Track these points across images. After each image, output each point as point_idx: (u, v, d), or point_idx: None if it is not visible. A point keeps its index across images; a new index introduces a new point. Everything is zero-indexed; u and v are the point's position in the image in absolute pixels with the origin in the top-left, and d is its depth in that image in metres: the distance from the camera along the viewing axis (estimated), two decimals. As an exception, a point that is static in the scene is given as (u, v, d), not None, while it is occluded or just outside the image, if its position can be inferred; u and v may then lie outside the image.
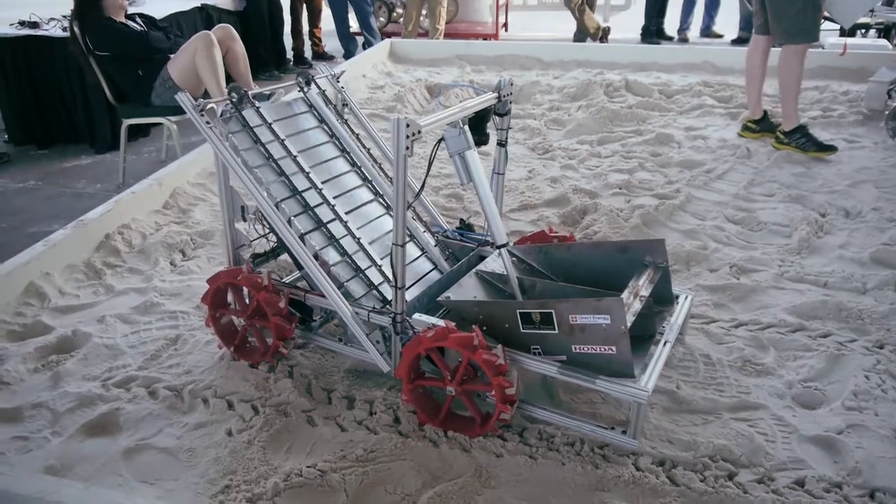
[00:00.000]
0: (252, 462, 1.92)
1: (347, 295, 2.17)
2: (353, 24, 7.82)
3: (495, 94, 2.23)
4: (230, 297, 2.38)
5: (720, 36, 8.45)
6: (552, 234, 2.44)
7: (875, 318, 2.50)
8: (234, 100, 2.29)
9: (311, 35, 7.81)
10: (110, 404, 2.17)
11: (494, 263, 2.30)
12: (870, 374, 2.22)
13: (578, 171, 3.95)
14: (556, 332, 1.87)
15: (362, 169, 2.54)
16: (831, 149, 4.06)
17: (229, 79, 4.33)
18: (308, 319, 2.38)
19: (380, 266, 2.31)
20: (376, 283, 2.25)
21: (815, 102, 5.10)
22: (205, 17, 6.18)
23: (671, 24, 8.42)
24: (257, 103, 2.37)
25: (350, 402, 2.16)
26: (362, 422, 2.06)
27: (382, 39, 7.33)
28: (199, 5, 6.11)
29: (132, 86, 4.20)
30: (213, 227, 3.31)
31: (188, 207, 3.57)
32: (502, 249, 2.15)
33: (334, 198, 2.37)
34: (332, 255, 2.24)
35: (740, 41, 7.65)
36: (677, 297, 2.26)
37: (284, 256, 2.54)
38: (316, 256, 2.20)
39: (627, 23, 8.64)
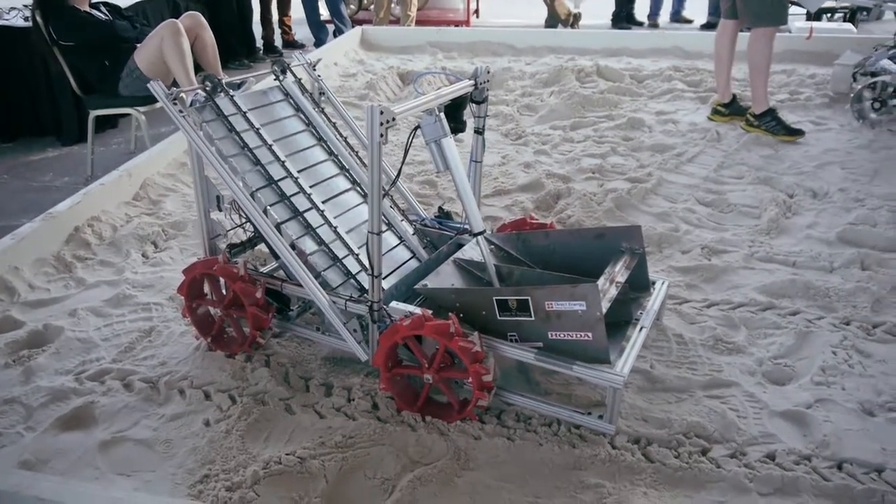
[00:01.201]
0: (230, 451, 1.91)
1: (325, 284, 2.17)
2: (324, 12, 7.75)
3: (472, 82, 2.22)
4: (206, 288, 2.36)
5: (690, 21, 8.52)
6: (531, 222, 2.45)
7: (842, 295, 2.56)
8: (207, 88, 2.25)
9: (281, 23, 7.72)
10: (84, 398, 2.14)
11: (472, 251, 2.30)
12: (837, 350, 2.28)
13: (551, 156, 3.97)
14: (533, 318, 1.88)
15: (339, 157, 2.53)
16: (799, 132, 4.13)
17: (198, 68, 4.27)
18: (285, 309, 2.37)
19: (357, 255, 2.31)
20: (354, 272, 2.25)
21: (782, 86, 5.18)
22: (171, 6, 6.07)
23: (641, 9, 8.47)
24: (232, 92, 2.34)
25: (328, 390, 2.17)
26: (340, 409, 2.07)
27: (353, 27, 7.27)
28: (165, -7, 6.00)
29: (98, 76, 4.12)
30: (186, 217, 3.27)
31: (159, 198, 3.52)
32: (479, 237, 2.15)
33: (311, 187, 2.36)
34: (308, 245, 2.23)
35: (709, 26, 7.72)
36: (654, 283, 2.29)
37: (261, 246, 2.52)
38: (293, 246, 2.19)
39: (598, 8, 8.67)
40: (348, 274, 2.24)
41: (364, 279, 2.24)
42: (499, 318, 1.93)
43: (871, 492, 1.73)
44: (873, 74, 4.46)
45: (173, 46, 3.98)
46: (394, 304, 2.04)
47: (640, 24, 8.44)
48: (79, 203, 3.19)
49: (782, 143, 4.07)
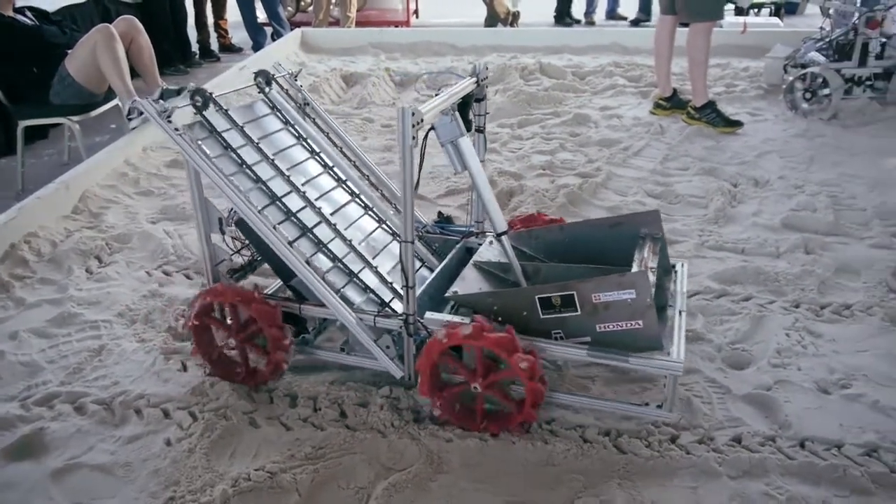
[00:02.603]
0: (195, 470, 1.84)
1: (345, 301, 2.05)
2: (261, 15, 7.60)
3: (474, 80, 2.14)
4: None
5: (624, 18, 8.70)
6: (542, 218, 2.40)
7: (790, 279, 2.64)
8: (198, 104, 2.08)
9: (217, 27, 7.54)
10: (32, 425, 2.03)
11: (489, 253, 2.24)
12: (790, 332, 2.35)
13: (501, 153, 3.99)
14: (579, 313, 1.81)
15: (335, 169, 2.43)
16: (738, 124, 4.26)
17: (134, 73, 4.13)
18: (303, 333, 2.20)
19: (375, 267, 2.20)
20: (371, 286, 2.14)
21: (718, 79, 5.33)
22: (101, 10, 5.86)
23: (578, 7, 8.59)
24: (225, 106, 2.19)
25: (293, 400, 2.11)
26: (307, 419, 2.02)
27: (292, 29, 7.16)
28: (93, -3, 5.79)
29: (27, 84, 3.93)
30: (130, 229, 3.15)
31: (100, 211, 3.38)
32: (503, 237, 2.09)
33: (315, 200, 2.25)
34: (323, 262, 2.11)
35: (636, 22, 7.91)
36: (673, 266, 2.25)
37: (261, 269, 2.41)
38: (307, 264, 2.06)
39: (535, 6, 8.76)
40: (367, 288, 2.13)
41: (382, 292, 2.15)
42: (542, 316, 1.85)
43: (833, 467, 1.79)
44: (803, 66, 4.64)
45: (108, 52, 3.84)
46: (429, 314, 1.94)
47: (578, 21, 8.57)
48: (14, 219, 3.03)
49: (723, 134, 4.19)
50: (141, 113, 4.17)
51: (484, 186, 2.09)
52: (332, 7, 7.74)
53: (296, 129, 2.43)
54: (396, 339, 2.00)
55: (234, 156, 2.12)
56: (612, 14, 8.83)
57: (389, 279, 2.22)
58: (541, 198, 3.30)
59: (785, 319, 2.42)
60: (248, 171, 2.13)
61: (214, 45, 7.55)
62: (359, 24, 7.83)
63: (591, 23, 8.54)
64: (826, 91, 4.37)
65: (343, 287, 2.08)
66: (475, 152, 2.07)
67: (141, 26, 4.17)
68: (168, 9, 6.66)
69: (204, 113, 2.10)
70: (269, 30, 7.63)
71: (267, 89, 2.42)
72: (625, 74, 5.46)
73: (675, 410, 1.89)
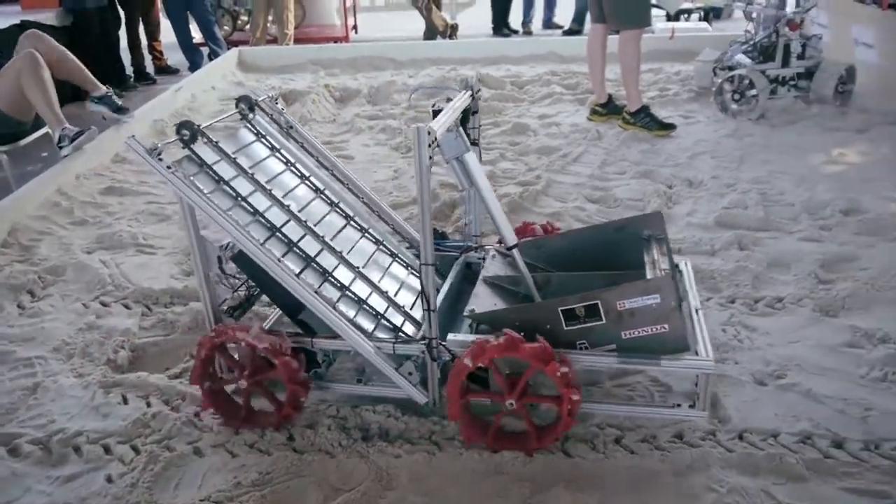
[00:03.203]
0: (138, 505, 1.80)
1: (359, 330, 1.98)
2: (197, 35, 7.49)
3: (470, 93, 2.12)
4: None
5: (561, 27, 8.85)
6: (531, 227, 2.40)
7: (725, 275, 2.73)
8: (185, 138, 1.98)
9: (151, 49, 7.40)
10: (-36, 470, 1.96)
11: (494, 267, 2.22)
12: (726, 328, 2.42)
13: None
14: (604, 321, 1.81)
15: (327, 192, 2.37)
16: (671, 127, 4.38)
17: (77, 91, 4.04)
18: (314, 367, 2.10)
19: (386, 292, 2.17)
20: (381, 311, 2.09)
21: (651, 84, 5.48)
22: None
23: (515, 17, 8.71)
24: (214, 138, 2.12)
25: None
26: (253, 444, 1.99)
27: (228, 49, 7.08)
28: (17, 22, 5.61)
29: (-51, 115, 3.80)
30: (64, 261, 3.06)
31: (31, 243, 3.27)
32: (514, 250, 2.08)
33: (314, 227, 2.18)
34: (331, 291, 2.03)
35: (570, 32, 8.08)
36: (677, 265, 2.26)
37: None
38: (318, 296, 1.99)
39: (474, 19, 8.86)
40: (378, 314, 2.08)
41: (392, 317, 2.11)
42: (565, 328, 1.84)
43: (770, 456, 1.85)
44: (731, 69, 4.80)
45: (33, 79, 3.74)
46: (451, 336, 1.91)
47: (515, 31, 8.69)
48: (-61, 256, 2.92)
49: (657, 137, 4.30)
50: (72, 140, 4.11)
51: (492, 201, 2.05)
52: (269, 25, 7.69)
53: (283, 155, 2.35)
54: (419, 365, 1.95)
55: (227, 189, 2.02)
56: (548, 24, 8.98)
57: (400, 302, 2.17)
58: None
59: (721, 315, 2.50)
60: (244, 203, 2.03)
61: (150, 67, 7.40)
62: (297, 41, 7.79)
63: (528, 32, 8.67)
64: (753, 92, 4.53)
65: (355, 316, 2.01)
66: (481, 167, 2.04)
67: (58, 45, 4.08)
68: (98, 32, 6.50)
69: (192, 146, 2.00)
70: (205, 50, 7.52)
71: (250, 115, 2.33)
72: (562, 82, 5.57)
73: (706, 409, 1.87)
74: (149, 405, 2.18)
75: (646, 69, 5.71)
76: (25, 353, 2.47)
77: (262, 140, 2.33)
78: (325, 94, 5.45)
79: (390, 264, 2.35)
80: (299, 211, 2.19)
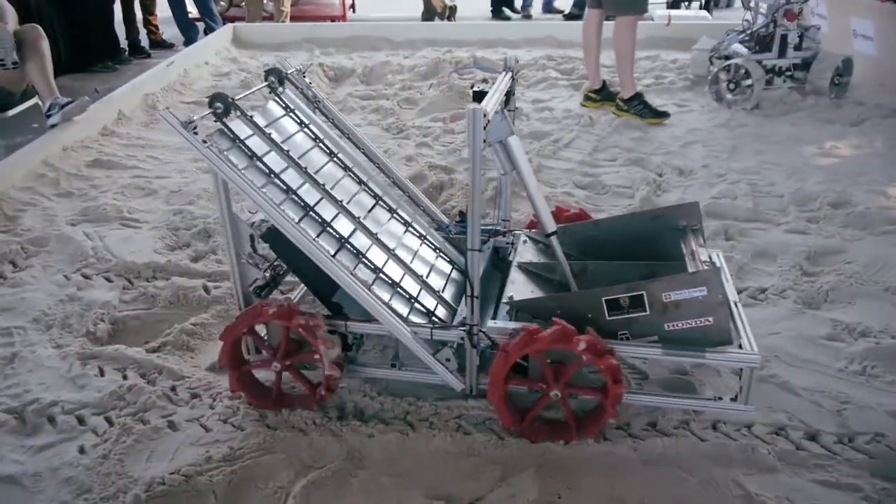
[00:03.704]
0: (109, 477, 1.79)
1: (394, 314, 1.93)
2: (193, 10, 7.42)
3: (510, 74, 2.06)
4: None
5: (561, 11, 8.78)
6: (566, 213, 2.35)
7: (709, 265, 2.72)
8: (219, 111, 1.90)
9: (147, 23, 7.32)
10: (-63, 437, 1.95)
11: (527, 253, 2.20)
12: (707, 317, 2.42)
13: (433, 148, 3.99)
14: (648, 313, 1.79)
15: (356, 170, 2.32)
16: (665, 115, 4.36)
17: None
18: (345, 350, 2.05)
19: (422, 276, 2.12)
20: (413, 294, 2.04)
21: (647, 71, 5.44)
22: (21, 7, 5.61)
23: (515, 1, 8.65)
24: (249, 113, 2.04)
25: (214, 401, 2.08)
26: (227, 419, 1.99)
27: (224, 24, 7.01)
28: (11, -7, 5.54)
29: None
30: (48, 232, 3.04)
31: (16, 214, 3.25)
32: (553, 237, 2.04)
33: (346, 206, 2.13)
34: (366, 273, 1.98)
35: (571, 17, 8.01)
36: (710, 257, 2.20)
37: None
38: (355, 278, 1.93)
39: (474, 1, 8.78)
40: (412, 298, 2.03)
41: (425, 301, 2.06)
42: (608, 318, 1.83)
43: (742, 447, 1.85)
44: (727, 58, 4.77)
45: (33, 50, 3.71)
46: (491, 323, 1.89)
47: (516, 12, 8.61)
48: (-80, 224, 2.90)
49: (650, 125, 4.28)
50: (62, 107, 4.08)
51: (533, 186, 2.01)
52: (266, 2, 7.61)
53: (311, 130, 2.29)
54: (456, 352, 1.92)
55: (260, 165, 1.96)
56: (549, 7, 8.92)
57: (435, 286, 2.13)
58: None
59: (703, 304, 2.49)
60: (277, 180, 1.97)
61: (145, 41, 7.33)
62: (294, 18, 7.71)
63: (528, 16, 8.60)
64: (749, 81, 4.50)
65: (390, 299, 1.96)
66: (523, 151, 2.00)
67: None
68: (93, 4, 6.43)
69: (224, 120, 1.92)
70: (201, 25, 7.45)
71: (280, 89, 2.27)
72: (557, 67, 5.53)
73: (749, 403, 1.84)
74: (125, 378, 2.18)
75: (643, 56, 5.68)
76: (4, 322, 2.46)
77: (291, 115, 2.26)
78: (318, 73, 5.40)
79: (419, 246, 2.29)
80: (330, 189, 2.12)
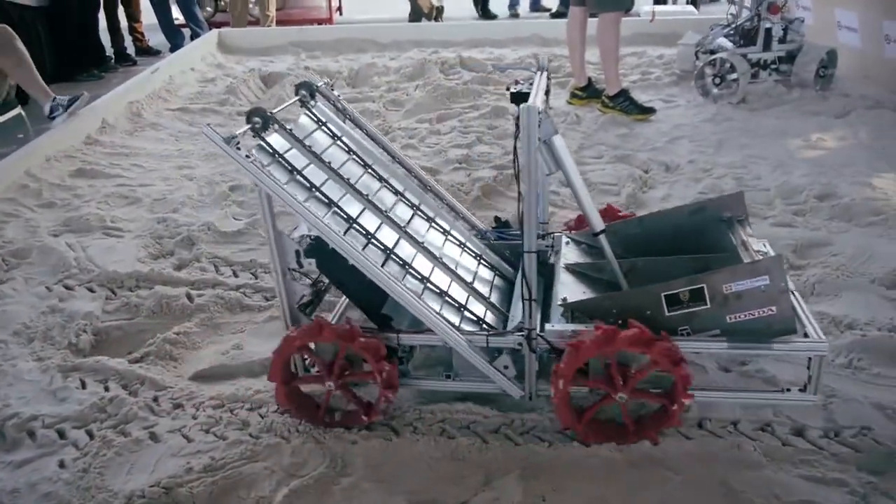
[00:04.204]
0: (89, 491, 1.77)
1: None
2: (179, 16, 7.39)
3: (546, 73, 2.03)
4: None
5: (548, 10, 8.78)
6: (615, 211, 2.33)
7: (695, 261, 2.71)
8: (257, 126, 1.89)
9: (132, 31, 7.29)
10: (-86, 455, 1.93)
11: (572, 254, 2.18)
12: (693, 314, 2.40)
13: (419, 149, 3.98)
14: (709, 306, 1.75)
15: (392, 181, 2.30)
16: (651, 111, 4.35)
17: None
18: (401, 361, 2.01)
19: (471, 283, 2.10)
20: (462, 302, 2.01)
21: (634, 67, 5.44)
22: (5, 17, 5.58)
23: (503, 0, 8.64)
24: (287, 126, 2.03)
25: (197, 410, 2.06)
26: (210, 429, 1.97)
27: (210, 30, 6.99)
28: (-6, 2, 5.51)
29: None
30: (29, 244, 3.01)
31: (-3, 226, 3.23)
32: (601, 236, 2.00)
33: (388, 216, 2.10)
34: (414, 284, 1.95)
35: (558, 15, 8.01)
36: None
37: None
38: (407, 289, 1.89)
39: (460, 1, 8.76)
40: (460, 306, 2.00)
41: (473, 307, 2.03)
42: (667, 314, 1.78)
43: (728, 444, 1.84)
44: (712, 52, 4.76)
45: (12, 56, 3.70)
46: (549, 326, 1.84)
47: (494, 16, 8.57)
48: None
49: (636, 121, 4.27)
50: (66, 107, 4.09)
51: (580, 185, 1.97)
52: (251, 6, 7.59)
53: (345, 143, 2.27)
54: (515, 358, 1.88)
55: (301, 179, 1.93)
56: (536, 6, 8.91)
57: (483, 292, 2.11)
58: (455, 192, 3.30)
59: (689, 301, 2.48)
60: (318, 193, 1.94)
61: (131, 49, 7.30)
62: (281, 22, 7.70)
63: (515, 15, 8.59)
64: (734, 76, 4.50)
65: (441, 308, 1.92)
66: (567, 149, 1.97)
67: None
68: (76, 13, 6.40)
69: (262, 135, 1.90)
70: (187, 31, 7.43)
71: (312, 102, 2.23)
72: (494, 64, 5.51)
73: (818, 392, 1.81)
74: (107, 390, 2.16)
75: (629, 52, 5.68)
76: (-16, 336, 2.44)
77: (324, 128, 2.24)
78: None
79: (461, 253, 2.26)
80: (370, 200, 2.10)
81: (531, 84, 1.92)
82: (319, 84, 2.27)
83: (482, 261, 2.31)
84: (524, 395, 1.89)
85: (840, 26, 5.13)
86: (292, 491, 1.74)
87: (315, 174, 1.99)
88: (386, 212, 2.11)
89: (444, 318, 1.87)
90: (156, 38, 7.51)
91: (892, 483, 1.72)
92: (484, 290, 2.15)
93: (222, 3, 8.65)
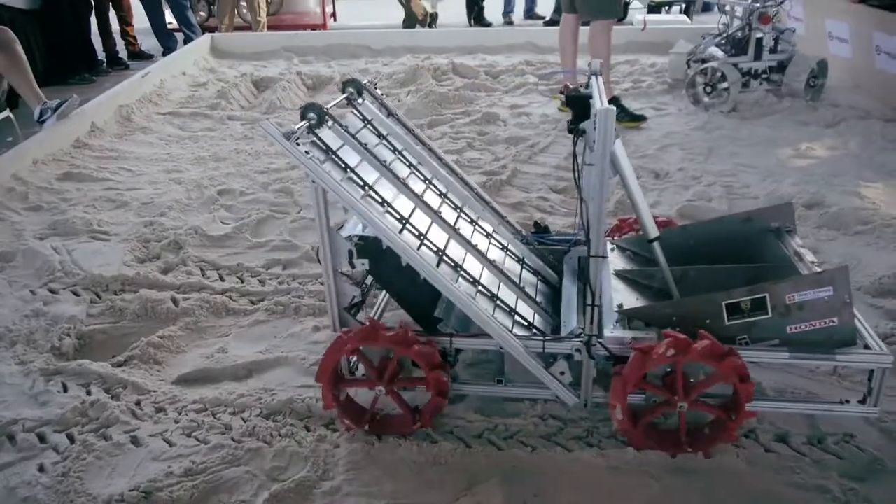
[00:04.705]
0: (68, 496, 1.76)
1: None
2: (172, 21, 7.39)
3: (599, 78, 2.01)
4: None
5: (542, 17, 8.82)
6: (660, 220, 2.28)
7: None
8: (312, 122, 1.86)
9: (124, 34, 7.28)
10: None
11: (619, 261, 2.16)
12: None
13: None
14: (770, 315, 1.74)
15: (435, 181, 2.28)
16: (642, 118, 4.36)
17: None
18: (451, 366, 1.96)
19: (522, 287, 2.07)
20: (511, 305, 1.98)
21: (626, 75, 5.46)
22: (-5, 19, 5.57)
23: (497, 7, 8.67)
24: (339, 122, 2.00)
25: (179, 414, 2.05)
26: (192, 433, 1.96)
27: (203, 34, 6.99)
28: (-14, 5, 5.50)
29: None
30: (14, 247, 2.99)
31: (-17, 228, 3.21)
32: (655, 243, 1.97)
33: (440, 216, 2.06)
34: (466, 286, 1.90)
35: (551, 23, 8.04)
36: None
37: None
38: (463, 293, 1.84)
39: (454, 7, 8.79)
40: (511, 310, 1.96)
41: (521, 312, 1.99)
42: (727, 323, 1.76)
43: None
44: (703, 61, 4.78)
45: (9, 59, 3.69)
46: (608, 332, 1.81)
47: (489, 24, 8.60)
48: None
49: (627, 129, 4.28)
50: (55, 110, 4.09)
51: (636, 190, 1.95)
52: (245, 11, 7.59)
53: (390, 142, 2.25)
54: (571, 364, 1.85)
55: (355, 177, 1.90)
56: (529, 14, 8.95)
57: (535, 297, 2.09)
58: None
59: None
60: (372, 192, 1.91)
61: (124, 53, 7.29)
62: (275, 27, 7.71)
63: (509, 23, 8.62)
64: (725, 85, 4.51)
65: (493, 312, 1.88)
66: (626, 155, 1.96)
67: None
68: (69, 16, 6.39)
69: (317, 132, 1.86)
70: (180, 36, 7.43)
71: (359, 100, 2.22)
72: (536, 72, 5.53)
73: (879, 404, 1.78)
74: (89, 393, 2.14)
75: (622, 61, 5.70)
76: (-34, 339, 2.42)
77: (370, 126, 2.22)
78: (296, 82, 5.39)
79: (504, 257, 2.24)
80: (421, 199, 2.06)
81: (576, 88, 1.89)
82: (365, 82, 2.24)
83: (525, 264, 2.28)
84: (578, 403, 1.86)
85: (831, 37, 5.16)
86: (273, 495, 1.72)
87: (366, 172, 1.96)
88: (435, 212, 2.07)
89: (500, 322, 1.83)
90: (149, 43, 7.50)
91: (874, 489, 1.72)
92: (531, 293, 2.12)
93: (215, 7, 8.65)
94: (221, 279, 2.79)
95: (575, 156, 1.89)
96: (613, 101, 4.36)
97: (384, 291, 2.21)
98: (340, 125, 1.99)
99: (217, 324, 2.51)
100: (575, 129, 1.91)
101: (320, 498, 1.73)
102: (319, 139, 1.87)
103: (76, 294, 2.69)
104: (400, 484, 1.76)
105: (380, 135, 2.23)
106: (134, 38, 7.32)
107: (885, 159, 3.73)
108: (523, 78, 5.39)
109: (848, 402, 1.82)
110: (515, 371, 1.88)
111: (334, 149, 1.90)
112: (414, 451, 1.84)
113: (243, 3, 7.44)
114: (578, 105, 1.94)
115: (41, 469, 1.86)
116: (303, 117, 1.86)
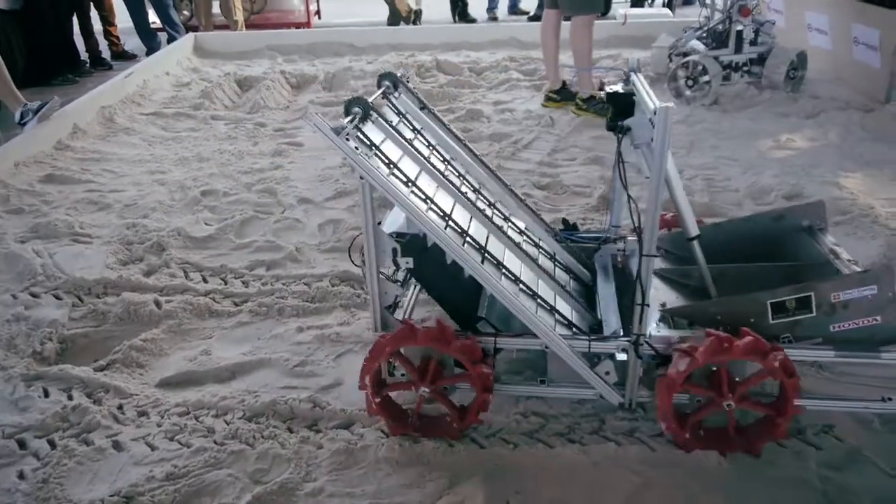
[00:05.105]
0: (48, 502, 1.75)
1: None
2: (155, 20, 7.33)
3: (640, 74, 1.99)
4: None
5: (527, 13, 8.81)
6: (664, 218, 2.29)
7: (664, 262, 2.72)
8: (357, 115, 1.82)
9: (107, 34, 7.23)
10: None
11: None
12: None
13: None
14: (814, 314, 1.75)
15: (468, 177, 2.26)
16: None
17: None
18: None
19: (565, 286, 2.05)
20: (553, 304, 1.96)
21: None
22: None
23: (481, 3, 8.66)
24: (383, 117, 1.97)
25: (161, 418, 2.04)
26: (174, 437, 1.96)
27: (187, 33, 6.94)
28: (-36, 6, 5.45)
29: None
30: (-2, 249, 2.98)
31: (-35, 232, 3.18)
32: (695, 242, 1.95)
33: (481, 211, 2.04)
34: (508, 284, 1.86)
35: (536, 18, 8.03)
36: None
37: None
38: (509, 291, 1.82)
39: (439, 4, 8.77)
40: (552, 309, 1.94)
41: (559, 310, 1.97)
42: (771, 321, 1.77)
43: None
44: (685, 55, 4.80)
45: None
46: (654, 332, 1.80)
47: (473, 20, 8.58)
48: None
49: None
50: (36, 112, 4.07)
51: (678, 189, 1.92)
52: (218, 12, 7.55)
53: (425, 137, 2.23)
54: (617, 364, 1.83)
55: (398, 173, 1.85)
56: (514, 9, 8.94)
57: (550, 294, 2.04)
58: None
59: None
60: (415, 188, 1.86)
61: (107, 53, 7.24)
62: (258, 26, 7.67)
63: (493, 18, 8.61)
64: (706, 78, 4.53)
65: (536, 310, 1.86)
66: (670, 155, 1.91)
67: None
68: (50, 17, 6.33)
69: (361, 127, 1.81)
70: (164, 35, 7.37)
71: (395, 94, 2.18)
72: (520, 69, 5.54)
73: None
74: (70, 398, 2.13)
75: (604, 55, 5.71)
76: (-54, 345, 2.40)
77: (405, 120, 2.18)
78: (280, 81, 5.37)
79: (538, 253, 2.22)
80: (463, 195, 2.02)
81: (612, 84, 1.91)
82: (399, 74, 2.22)
83: (557, 261, 2.27)
84: (623, 402, 1.86)
85: (811, 29, 5.19)
86: (256, 497, 1.73)
87: (408, 167, 1.92)
88: (475, 207, 2.04)
89: (545, 321, 1.82)
90: (132, 42, 7.45)
91: (852, 479, 1.74)
92: (556, 290, 2.09)
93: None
94: (205, 281, 2.78)
95: (619, 154, 1.88)
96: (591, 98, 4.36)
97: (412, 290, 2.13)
98: (385, 120, 1.95)
99: (200, 326, 2.50)
100: (618, 126, 1.88)
101: (303, 499, 1.73)
102: (364, 134, 1.82)
103: (58, 298, 2.68)
104: (382, 484, 1.77)
105: (414, 129, 2.20)
106: (117, 37, 7.26)
107: (864, 150, 3.76)
108: (507, 74, 5.39)
109: (891, 399, 1.81)
110: (559, 371, 1.86)
111: (378, 144, 1.87)
112: (396, 451, 1.84)
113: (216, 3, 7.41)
114: (620, 102, 1.92)
115: (21, 476, 1.85)
116: (347, 112, 1.82)
